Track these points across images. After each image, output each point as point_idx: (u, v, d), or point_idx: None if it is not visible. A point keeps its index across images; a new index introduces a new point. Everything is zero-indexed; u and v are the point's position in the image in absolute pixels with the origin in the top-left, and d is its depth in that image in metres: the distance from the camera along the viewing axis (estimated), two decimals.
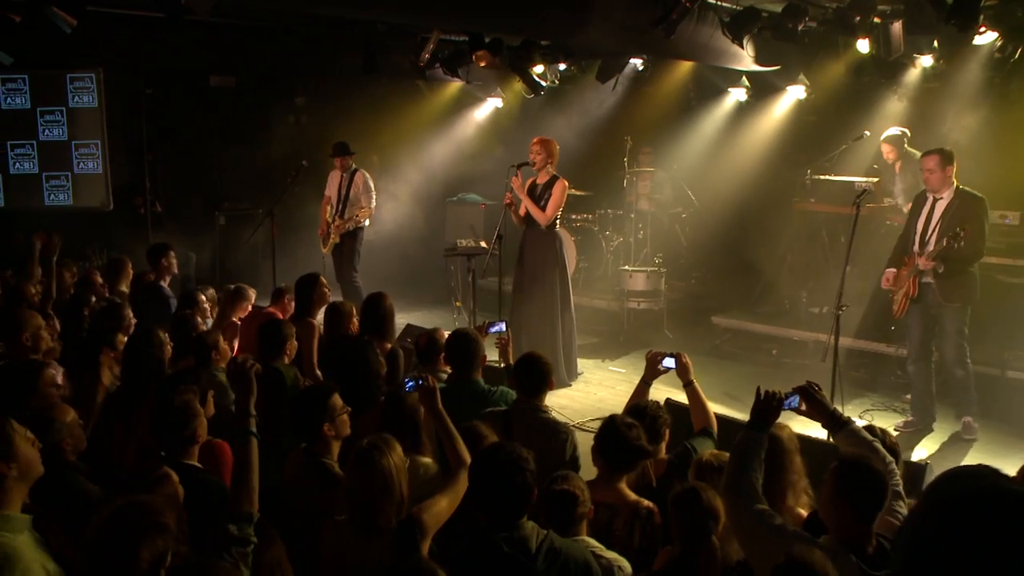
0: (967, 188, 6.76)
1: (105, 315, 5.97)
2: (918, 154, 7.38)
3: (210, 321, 6.85)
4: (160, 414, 3.88)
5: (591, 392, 8.30)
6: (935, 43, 8.54)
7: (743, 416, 5.11)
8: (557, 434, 4.58)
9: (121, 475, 4.01)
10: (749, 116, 11.11)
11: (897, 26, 7.67)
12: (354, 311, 6.34)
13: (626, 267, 10.40)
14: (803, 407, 3.64)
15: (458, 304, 10.82)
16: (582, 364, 8.81)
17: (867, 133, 9.15)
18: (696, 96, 11.76)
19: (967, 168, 7.43)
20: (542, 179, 8.17)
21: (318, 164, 10.53)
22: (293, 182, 9.70)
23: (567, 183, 8.15)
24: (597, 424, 4.13)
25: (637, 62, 10.62)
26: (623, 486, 3.91)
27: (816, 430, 4.16)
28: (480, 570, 3.08)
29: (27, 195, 10.69)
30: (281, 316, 6.73)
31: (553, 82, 11.33)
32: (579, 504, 3.49)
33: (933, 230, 6.76)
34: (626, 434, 3.91)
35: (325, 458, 3.96)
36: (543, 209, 8.06)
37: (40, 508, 3.20)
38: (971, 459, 6.71)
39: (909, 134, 8.43)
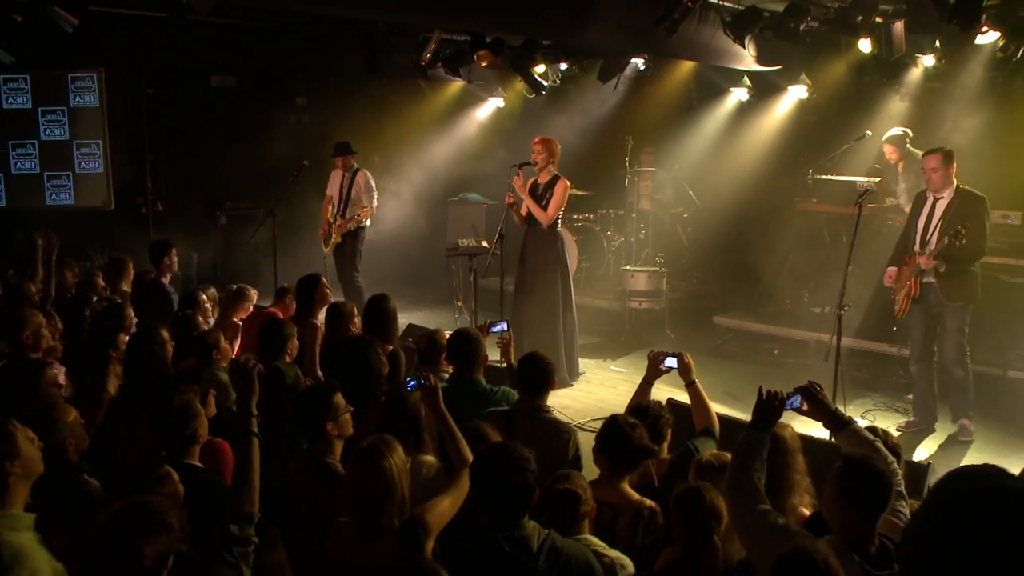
0: (968, 187, 6.76)
1: (107, 315, 5.97)
2: (920, 154, 7.37)
3: (212, 321, 6.85)
4: (160, 414, 3.88)
5: (592, 392, 8.29)
6: (937, 43, 8.52)
7: (745, 416, 5.10)
8: (559, 434, 4.57)
9: (123, 474, 4.01)
10: (751, 116, 11.10)
11: (899, 26, 7.66)
12: (355, 311, 6.34)
13: (627, 267, 10.39)
14: (805, 407, 3.63)
15: (460, 304, 10.82)
16: (583, 364, 8.81)
17: (869, 133, 9.14)
18: (697, 96, 11.75)
19: (969, 168, 7.42)
20: (544, 179, 8.16)
21: (319, 164, 10.53)
22: (294, 182, 9.70)
23: (569, 183, 8.15)
24: (599, 424, 4.12)
25: (638, 62, 10.62)
26: (625, 486, 3.91)
27: (818, 430, 4.15)
28: (481, 570, 3.07)
29: (28, 195, 10.70)
30: (282, 316, 6.72)
31: (554, 82, 11.33)
32: (581, 503, 3.48)
33: (934, 229, 6.76)
34: (629, 434, 3.90)
35: (328, 457, 3.96)
36: (545, 209, 8.05)
37: (42, 507, 3.20)
38: (973, 459, 6.70)
39: (911, 134, 8.42)
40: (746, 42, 8.03)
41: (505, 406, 4.85)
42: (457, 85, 12.45)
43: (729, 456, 3.73)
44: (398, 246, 12.23)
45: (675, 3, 7.06)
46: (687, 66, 11.06)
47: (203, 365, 5.24)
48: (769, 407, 3.41)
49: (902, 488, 3.30)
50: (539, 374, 4.69)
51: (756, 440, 3.32)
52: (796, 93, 10.39)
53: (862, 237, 6.84)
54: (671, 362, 4.74)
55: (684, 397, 4.81)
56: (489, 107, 13.33)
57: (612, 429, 3.96)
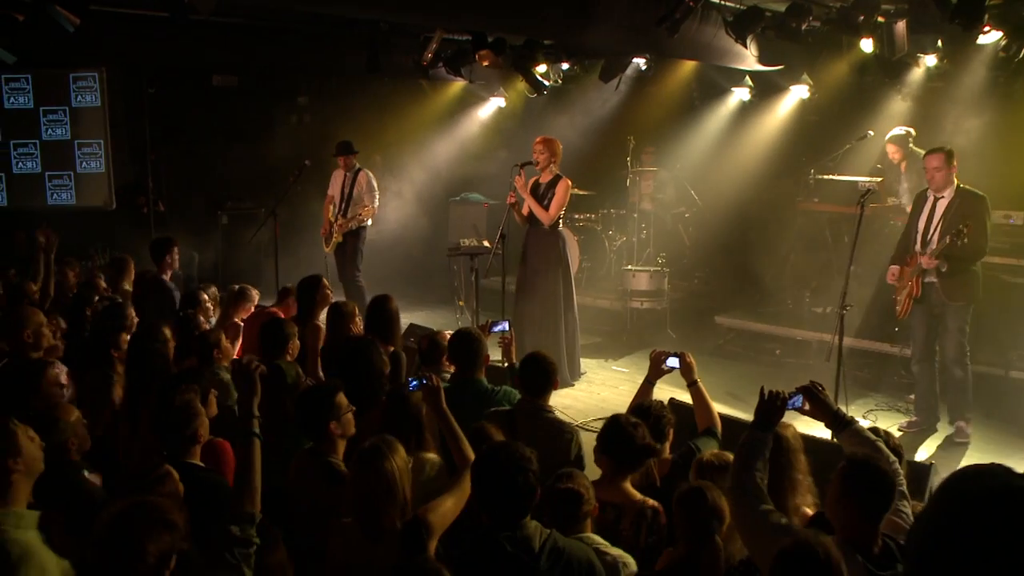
0: (968, 187, 6.75)
1: (108, 315, 5.97)
2: (923, 153, 7.37)
3: (213, 321, 6.85)
4: (161, 413, 3.88)
5: (594, 392, 8.29)
6: (939, 42, 8.51)
7: (747, 416, 5.10)
8: (562, 434, 4.57)
9: (124, 473, 4.01)
10: (752, 116, 11.08)
11: (901, 25, 7.64)
12: (356, 311, 6.33)
13: (629, 267, 10.39)
14: (806, 407, 3.63)
15: (461, 304, 10.81)
16: (585, 364, 8.81)
17: (871, 133, 9.13)
18: (699, 96, 11.73)
19: (971, 168, 7.41)
20: (545, 178, 8.16)
21: (321, 163, 10.52)
22: (296, 181, 9.69)
23: (570, 182, 8.15)
24: (600, 424, 4.12)
25: (640, 62, 10.61)
26: (628, 486, 3.90)
27: (820, 430, 4.15)
28: (483, 570, 3.07)
29: (30, 194, 10.71)
30: (284, 316, 6.72)
31: (556, 82, 11.32)
32: (583, 503, 3.48)
33: (935, 229, 6.75)
34: (632, 433, 3.90)
35: (331, 457, 3.95)
36: (546, 208, 8.05)
37: (43, 506, 3.20)
38: (974, 459, 6.68)
39: (914, 133, 8.41)
40: (748, 42, 8.02)
41: (507, 406, 4.85)
42: (458, 85, 12.45)
43: (730, 455, 3.73)
44: (399, 246, 12.23)
45: (677, 3, 7.05)
46: (689, 66, 11.05)
47: (204, 365, 5.24)
48: (771, 407, 3.41)
49: (904, 488, 3.30)
50: (541, 374, 4.69)
51: (758, 440, 3.32)
52: (798, 93, 10.38)
53: (864, 237, 6.84)
54: (673, 362, 4.74)
55: (686, 397, 4.81)
56: (490, 107, 13.32)
57: (614, 428, 3.96)
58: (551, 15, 7.27)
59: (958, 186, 6.74)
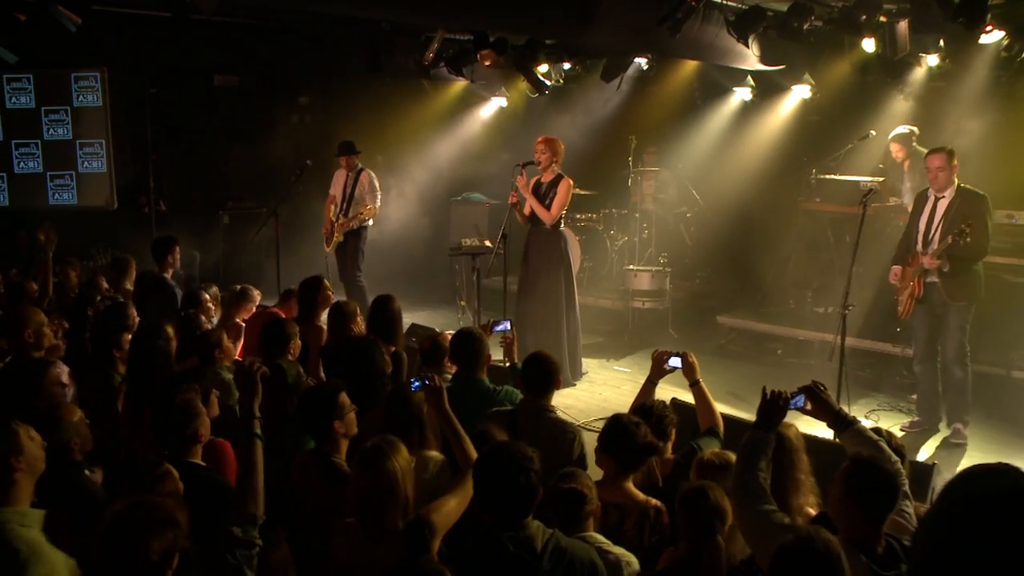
0: (968, 186, 6.74)
1: (110, 314, 5.97)
2: (925, 153, 7.36)
3: (215, 320, 6.84)
4: (162, 413, 3.88)
5: (596, 392, 8.29)
6: (941, 42, 8.49)
7: (749, 416, 5.09)
8: (564, 434, 4.56)
9: (125, 472, 4.00)
10: (754, 116, 11.07)
11: (903, 25, 7.64)
12: (358, 311, 6.33)
13: (631, 266, 10.39)
14: (808, 407, 3.62)
15: (463, 303, 10.81)
16: (587, 364, 8.81)
17: (873, 132, 9.12)
18: (701, 95, 11.72)
19: (974, 167, 7.40)
20: (547, 178, 8.16)
21: (322, 163, 10.52)
22: (297, 181, 9.70)
23: (572, 182, 8.14)
24: (602, 424, 4.11)
25: (642, 61, 10.60)
26: (630, 486, 3.90)
27: (822, 430, 4.14)
28: (486, 569, 3.06)
29: (32, 194, 10.71)
30: (284, 317, 6.72)
31: (558, 81, 11.32)
32: (586, 503, 3.48)
33: (936, 228, 6.74)
34: (634, 431, 3.90)
35: (334, 457, 3.94)
36: (548, 208, 8.04)
37: (46, 507, 3.21)
38: (976, 459, 6.63)
39: (918, 132, 8.40)
40: (750, 41, 8.02)
41: (508, 406, 4.84)
42: (460, 85, 12.45)
43: (731, 455, 3.73)
44: (401, 246, 12.22)
45: (679, 2, 7.05)
46: (690, 66, 11.04)
47: (206, 364, 5.24)
48: (773, 407, 3.41)
49: (906, 488, 3.29)
50: (544, 374, 4.68)
51: (761, 440, 3.32)
52: (800, 93, 10.37)
53: (866, 237, 6.83)
54: (675, 362, 4.74)
55: (688, 397, 4.80)
56: (492, 107, 13.32)
57: (615, 427, 3.96)
58: (553, 15, 7.27)
59: (959, 186, 6.73)
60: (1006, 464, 1.68)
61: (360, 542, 3.35)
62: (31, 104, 10.58)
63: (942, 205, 6.77)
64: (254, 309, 7.16)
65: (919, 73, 9.13)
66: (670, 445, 4.44)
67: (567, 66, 11.08)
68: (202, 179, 12.68)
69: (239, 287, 7.20)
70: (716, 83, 11.25)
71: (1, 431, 3.12)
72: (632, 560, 3.45)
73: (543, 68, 10.37)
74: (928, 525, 1.74)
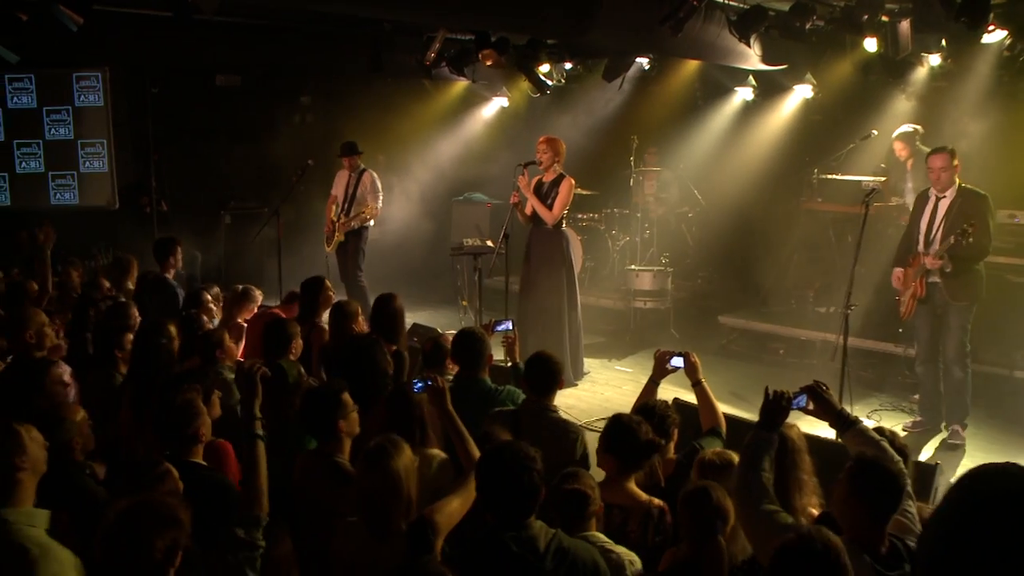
0: (969, 186, 6.72)
1: (112, 314, 5.97)
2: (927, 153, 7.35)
3: (216, 321, 6.84)
4: (162, 412, 3.88)
5: (598, 392, 8.28)
6: (943, 42, 8.49)
7: (751, 416, 5.08)
8: (567, 433, 4.56)
9: (125, 471, 4.00)
10: (756, 115, 11.06)
11: (905, 24, 7.63)
12: (359, 311, 6.33)
13: (632, 266, 10.38)
14: (811, 406, 3.62)
15: (464, 303, 10.81)
16: (588, 364, 8.80)
17: (875, 132, 9.12)
18: (702, 95, 11.72)
19: (976, 167, 7.40)
20: (549, 177, 8.15)
21: (324, 163, 10.52)
22: (299, 181, 9.70)
23: (574, 181, 8.14)
24: (604, 424, 4.11)
25: (643, 61, 10.60)
26: (633, 486, 3.89)
27: (824, 430, 4.14)
28: (488, 569, 3.06)
29: (33, 194, 10.73)
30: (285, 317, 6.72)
31: (559, 81, 11.31)
32: (590, 503, 3.47)
33: (938, 228, 6.73)
34: (636, 429, 3.90)
35: (338, 457, 3.94)
36: (550, 208, 8.04)
37: (48, 507, 3.20)
38: (978, 459, 6.64)
39: (922, 131, 8.39)
40: (751, 41, 8.00)
41: (510, 405, 4.84)
42: (461, 84, 12.44)
43: (732, 454, 3.73)
44: (403, 246, 12.21)
45: (680, 2, 7.04)
46: (692, 65, 11.04)
47: (208, 364, 5.23)
48: (776, 407, 3.40)
49: (909, 488, 3.28)
50: (547, 374, 4.68)
51: (764, 440, 3.32)
52: (801, 92, 10.36)
53: (868, 237, 6.83)
54: (677, 361, 4.73)
55: (690, 397, 4.80)
56: (494, 106, 13.31)
57: (617, 426, 3.96)
58: (554, 14, 7.26)
59: (960, 185, 6.71)
60: (1014, 464, 1.67)
61: (363, 542, 3.35)
62: (33, 104, 10.59)
63: (943, 205, 6.75)
64: (256, 309, 7.16)
65: (921, 73, 9.12)
66: (672, 445, 4.44)
67: (569, 66, 11.08)
68: (204, 179, 12.67)
69: (241, 287, 7.19)
70: (718, 83, 11.25)
71: (3, 431, 3.12)
72: (635, 560, 3.45)
73: (545, 68, 10.36)
74: (935, 525, 1.73)
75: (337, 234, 9.76)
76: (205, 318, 6.35)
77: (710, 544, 3.27)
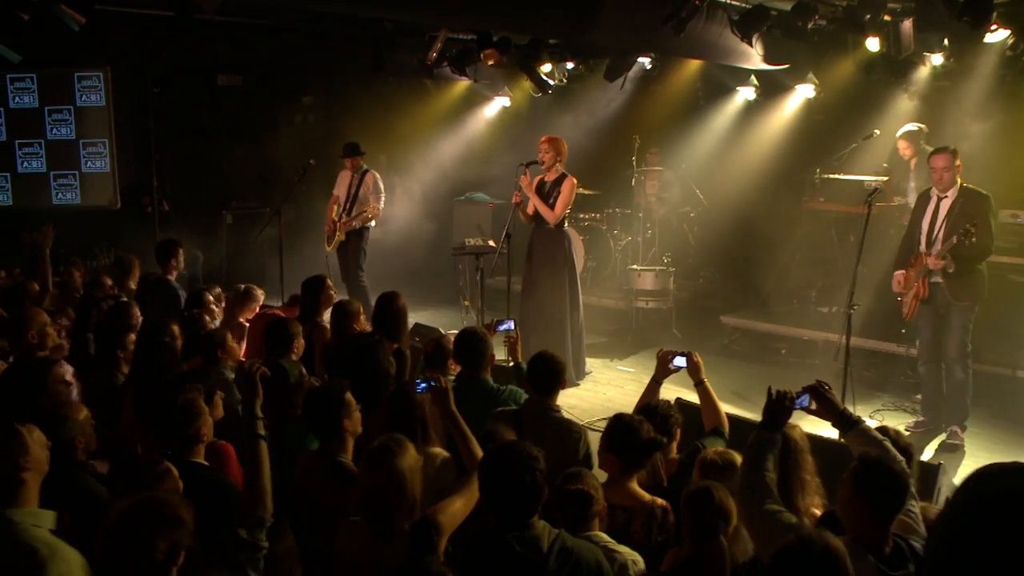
0: (971, 186, 6.71)
1: (115, 314, 5.97)
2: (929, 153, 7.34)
3: (217, 322, 6.84)
4: (164, 412, 3.88)
5: (600, 391, 8.27)
6: (945, 41, 8.48)
7: (753, 416, 5.07)
8: (570, 433, 4.56)
9: (126, 471, 3.99)
10: (758, 115, 11.06)
11: (907, 24, 7.62)
12: (361, 310, 6.33)
13: (634, 266, 10.37)
14: (813, 406, 3.61)
15: (466, 303, 10.80)
16: (590, 363, 8.80)
17: (877, 132, 9.11)
18: (704, 95, 11.72)
19: (978, 166, 7.39)
20: (551, 177, 8.14)
21: (325, 163, 10.52)
22: (300, 181, 9.70)
23: (576, 181, 8.13)
24: (606, 424, 4.10)
25: (645, 61, 10.59)
26: (635, 486, 3.89)
27: (826, 429, 4.13)
28: (491, 569, 3.05)
29: (35, 194, 10.72)
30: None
31: (561, 81, 11.30)
32: (593, 503, 3.47)
33: (940, 228, 6.72)
34: (637, 428, 3.89)
35: (341, 456, 3.93)
36: (552, 207, 8.03)
37: (49, 506, 3.20)
38: (980, 459, 6.66)
39: (927, 130, 8.38)
40: (753, 41, 8.00)
41: (513, 405, 4.84)
42: (463, 84, 12.44)
43: (733, 454, 3.72)
44: (404, 245, 12.20)
45: (682, 2, 7.04)
46: (694, 65, 11.03)
47: (210, 364, 5.23)
48: (779, 407, 3.40)
49: (912, 488, 3.28)
50: (550, 373, 4.68)
51: (767, 440, 3.32)
52: (803, 92, 10.35)
53: (870, 236, 6.82)
54: (680, 361, 4.73)
55: (693, 397, 4.79)
56: (495, 106, 13.30)
57: (618, 426, 3.95)
58: (556, 14, 7.25)
59: (962, 185, 6.70)
60: (1021, 463, 1.66)
61: (366, 541, 3.34)
62: (34, 104, 10.59)
63: (945, 205, 6.74)
64: (258, 309, 7.16)
65: (923, 72, 9.11)
66: (675, 445, 4.43)
67: (570, 65, 11.06)
68: (205, 179, 12.69)
69: (243, 287, 7.19)
70: (720, 82, 11.24)
71: (6, 432, 3.12)
72: (638, 559, 3.44)
73: (546, 67, 10.35)
74: (943, 525, 1.72)
75: (338, 233, 9.76)
76: (207, 318, 6.34)
77: (712, 544, 3.27)
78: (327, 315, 6.46)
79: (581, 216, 11.20)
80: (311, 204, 11.52)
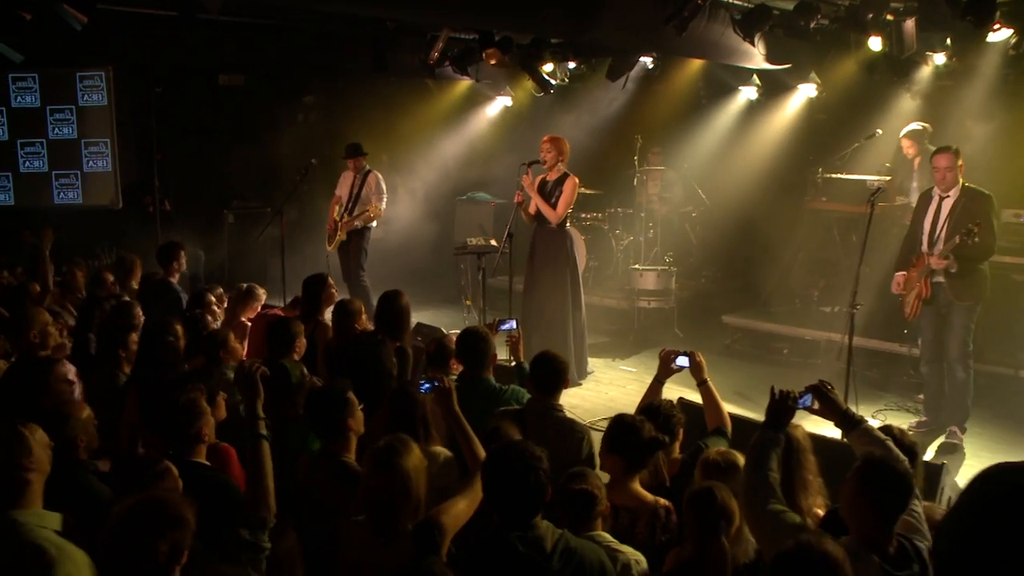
0: (973, 185, 6.70)
1: (117, 314, 5.97)
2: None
3: (219, 322, 6.84)
4: (165, 412, 3.87)
5: (602, 391, 8.27)
6: (948, 40, 8.47)
7: (755, 415, 5.07)
8: (573, 433, 4.55)
9: (126, 470, 3.99)
10: (760, 114, 11.05)
11: (910, 23, 7.60)
12: (362, 309, 6.33)
13: (636, 266, 10.37)
14: (816, 406, 3.61)
15: (468, 303, 10.80)
16: (592, 363, 8.79)
17: (879, 131, 9.10)
18: (706, 94, 11.71)
19: (981, 166, 7.38)
20: (552, 176, 8.14)
21: (327, 162, 10.52)
22: (302, 180, 9.70)
23: (577, 180, 8.12)
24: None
25: (647, 60, 10.58)
26: (638, 487, 3.88)
27: (829, 429, 4.12)
28: (495, 570, 3.05)
29: (37, 193, 10.71)
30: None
31: (563, 80, 11.28)
32: (597, 503, 3.46)
33: (942, 228, 6.71)
34: (639, 427, 3.89)
35: (344, 456, 3.92)
36: (554, 207, 8.02)
37: (51, 506, 3.20)
38: (981, 459, 6.67)
39: (931, 130, 8.36)
40: (756, 40, 7.98)
41: (515, 405, 4.83)
42: (465, 84, 12.42)
43: (736, 455, 3.71)
44: (406, 245, 12.20)
45: (684, 1, 7.03)
46: (696, 64, 11.02)
47: (213, 365, 5.22)
48: (782, 406, 3.40)
49: (917, 488, 3.27)
50: (553, 373, 4.67)
51: (770, 440, 3.32)
52: (806, 91, 10.33)
53: (873, 236, 6.81)
54: (683, 361, 4.72)
55: (695, 396, 4.78)
56: (497, 106, 13.29)
57: (620, 426, 3.95)
58: (558, 13, 7.25)
59: (963, 185, 6.69)
60: None
61: (369, 542, 3.33)
62: (36, 103, 10.58)
63: (947, 204, 6.73)
64: (259, 308, 7.16)
65: (926, 72, 9.09)
66: (677, 445, 4.43)
67: (572, 65, 11.04)
68: (207, 178, 12.68)
69: (245, 286, 7.19)
70: (722, 82, 11.24)
71: (10, 434, 3.12)
72: (641, 559, 3.44)
73: (548, 67, 10.33)
74: (952, 524, 1.72)
75: (339, 233, 9.76)
76: (209, 318, 6.34)
77: (713, 545, 3.26)
78: (328, 313, 6.46)
79: (583, 216, 11.20)
80: (313, 204, 11.51)
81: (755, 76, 10.62)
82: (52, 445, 3.26)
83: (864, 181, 9.11)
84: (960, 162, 6.66)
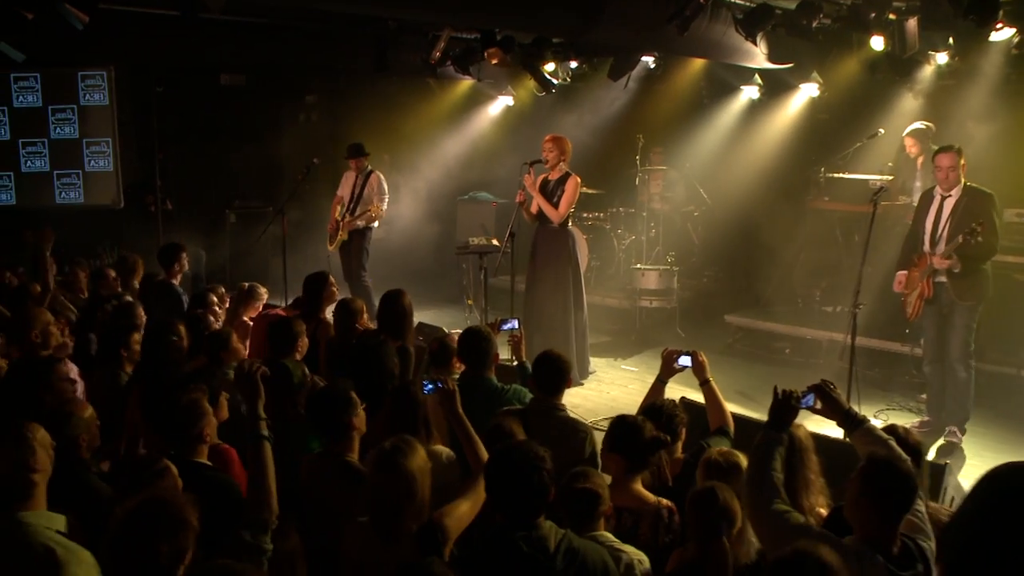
0: (975, 184, 6.68)
1: (120, 314, 5.97)
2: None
3: (220, 322, 6.83)
4: (167, 412, 3.86)
5: (604, 391, 8.26)
6: (950, 40, 8.45)
7: (758, 415, 5.06)
8: (575, 432, 4.55)
9: (125, 469, 3.99)
10: (762, 114, 11.04)
11: (912, 22, 7.59)
12: (364, 308, 6.32)
13: (638, 265, 10.37)
14: (818, 406, 3.60)
15: (470, 303, 10.79)
16: (594, 363, 8.78)
17: (881, 131, 9.09)
18: (708, 94, 11.70)
19: (983, 165, 7.36)
20: (554, 176, 8.13)
21: (329, 162, 10.52)
22: (304, 180, 9.69)
23: (579, 180, 8.12)
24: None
25: (649, 60, 10.57)
26: (640, 487, 3.87)
27: (831, 429, 4.12)
28: (498, 569, 3.04)
29: (38, 193, 10.70)
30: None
31: (564, 80, 11.28)
32: (600, 503, 3.46)
33: (944, 228, 6.69)
34: (640, 426, 3.88)
35: (348, 456, 3.91)
36: (556, 206, 8.02)
37: (52, 506, 3.20)
38: (982, 459, 6.67)
39: (934, 129, 8.35)
40: (758, 39, 7.97)
41: (517, 404, 4.83)
42: (467, 83, 12.42)
43: (738, 455, 3.71)
44: (408, 245, 12.21)
45: (687, 0, 7.02)
46: (698, 64, 11.01)
47: (215, 365, 5.22)
48: (785, 406, 3.39)
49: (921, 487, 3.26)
50: (555, 373, 4.67)
51: (774, 439, 3.31)
52: (808, 91, 10.31)
53: (875, 235, 6.80)
54: (685, 360, 4.71)
55: (698, 396, 4.78)
56: (499, 105, 13.29)
57: (621, 426, 3.95)
58: (559, 13, 7.24)
59: (965, 184, 6.67)
60: None
61: (373, 543, 3.32)
62: (38, 103, 10.57)
63: (949, 204, 6.71)
64: (261, 307, 7.15)
65: (928, 71, 9.07)
66: (680, 445, 4.42)
67: (574, 64, 11.04)
68: (209, 178, 12.68)
69: (247, 285, 7.19)
70: (724, 81, 11.22)
71: (14, 434, 3.11)
72: (643, 559, 3.43)
73: (550, 67, 10.33)
74: (959, 524, 1.72)
75: (341, 232, 9.76)
76: (211, 319, 6.34)
77: (714, 545, 3.26)
78: (330, 312, 6.45)
79: (585, 215, 11.19)
80: (315, 203, 11.50)
81: (757, 75, 10.61)
82: (54, 444, 3.26)
83: (866, 181, 9.09)
84: (963, 161, 6.64)
